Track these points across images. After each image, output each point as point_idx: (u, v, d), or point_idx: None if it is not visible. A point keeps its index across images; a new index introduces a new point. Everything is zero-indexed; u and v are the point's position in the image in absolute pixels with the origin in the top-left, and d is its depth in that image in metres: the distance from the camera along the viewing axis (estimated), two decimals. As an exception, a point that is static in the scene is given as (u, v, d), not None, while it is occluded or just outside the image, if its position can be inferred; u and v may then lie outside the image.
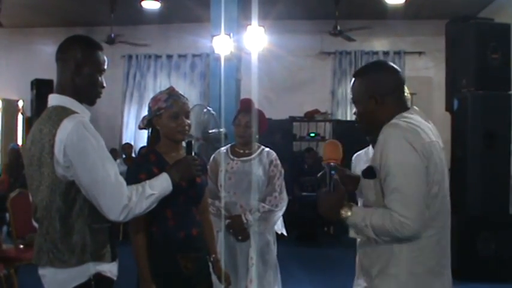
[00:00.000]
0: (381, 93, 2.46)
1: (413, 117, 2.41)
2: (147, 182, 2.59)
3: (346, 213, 2.36)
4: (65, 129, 2.36)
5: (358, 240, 2.54)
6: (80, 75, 2.53)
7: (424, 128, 2.36)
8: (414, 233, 2.22)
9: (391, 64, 2.63)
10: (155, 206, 2.60)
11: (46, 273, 2.49)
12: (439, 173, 2.33)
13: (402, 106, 2.49)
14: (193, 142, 2.94)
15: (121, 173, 2.48)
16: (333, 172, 2.50)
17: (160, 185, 2.62)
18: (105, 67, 2.64)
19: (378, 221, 2.25)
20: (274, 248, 4.21)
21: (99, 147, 2.42)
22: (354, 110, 2.64)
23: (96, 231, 2.49)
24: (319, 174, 2.74)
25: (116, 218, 2.42)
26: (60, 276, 2.45)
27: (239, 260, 4.07)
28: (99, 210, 2.41)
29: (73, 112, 2.45)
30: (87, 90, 2.57)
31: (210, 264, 3.23)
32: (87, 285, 2.47)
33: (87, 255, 2.46)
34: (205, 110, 7.65)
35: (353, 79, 2.61)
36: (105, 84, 2.63)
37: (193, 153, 2.89)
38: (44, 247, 2.47)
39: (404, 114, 2.42)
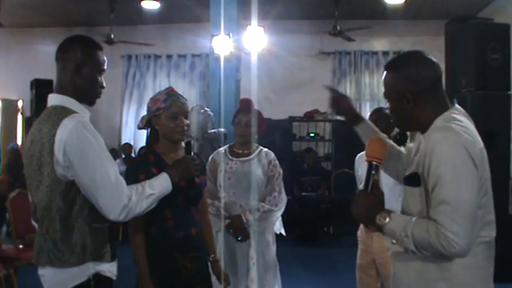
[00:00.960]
0: (414, 92, 2.20)
1: (463, 119, 2.18)
2: (147, 181, 2.59)
3: (384, 219, 2.12)
4: (65, 129, 2.36)
5: (393, 250, 2.28)
6: (80, 75, 2.53)
7: (474, 131, 2.15)
8: (461, 251, 1.98)
9: (427, 56, 2.29)
10: (154, 206, 2.60)
11: (45, 273, 2.49)
12: (487, 182, 2.13)
13: (441, 105, 2.24)
14: (192, 142, 2.93)
15: (120, 173, 2.48)
16: (373, 172, 2.25)
17: (160, 184, 2.62)
18: (105, 67, 2.64)
19: (421, 233, 2.02)
20: (273, 248, 4.21)
21: (99, 147, 2.42)
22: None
23: (96, 231, 2.49)
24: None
25: (115, 217, 2.42)
26: (60, 276, 2.45)
27: (239, 260, 4.07)
28: (99, 210, 2.41)
29: (73, 112, 2.45)
30: (87, 90, 2.57)
31: (209, 264, 3.24)
32: (87, 285, 2.47)
33: (87, 255, 2.46)
34: (202, 111, 7.65)
35: (385, 71, 2.34)
36: (105, 85, 2.63)
37: (192, 153, 2.89)
38: (44, 247, 2.47)
39: (452, 115, 2.19)
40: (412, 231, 2.03)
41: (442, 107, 2.23)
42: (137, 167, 3.06)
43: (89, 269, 2.48)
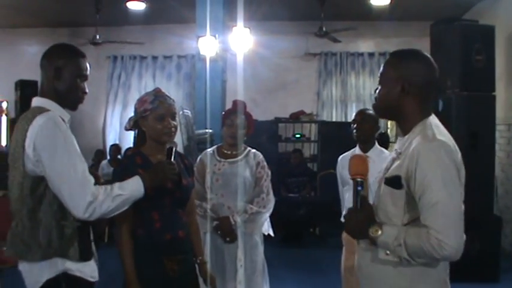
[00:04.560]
0: (411, 83, 2.29)
1: (441, 129, 2.31)
2: (118, 183, 2.62)
3: (376, 232, 2.19)
4: (36, 125, 2.43)
5: (383, 257, 2.27)
6: (60, 80, 2.61)
7: (452, 139, 2.29)
8: (454, 252, 2.05)
9: (432, 61, 2.39)
10: (141, 208, 2.60)
11: (22, 268, 2.57)
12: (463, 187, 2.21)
13: (427, 109, 2.36)
14: (174, 149, 2.91)
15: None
16: (359, 188, 2.31)
17: (130, 187, 2.63)
18: (87, 73, 2.71)
19: (413, 240, 2.10)
20: (261, 249, 4.21)
21: (68, 143, 2.47)
22: (377, 88, 2.44)
23: (63, 228, 2.52)
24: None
25: (80, 214, 2.45)
26: (33, 271, 2.51)
27: (227, 261, 4.06)
28: (65, 206, 2.45)
29: (47, 110, 2.52)
30: (66, 94, 2.64)
31: (197, 266, 3.23)
32: (57, 281, 2.51)
33: (51, 250, 2.50)
34: (181, 112, 7.63)
35: (389, 57, 2.45)
36: (87, 90, 2.71)
37: (172, 159, 2.87)
38: (14, 240, 2.54)
39: (435, 121, 2.33)
40: (405, 239, 2.11)
41: (427, 110, 2.35)
42: (124, 169, 3.04)
43: (57, 265, 2.52)
